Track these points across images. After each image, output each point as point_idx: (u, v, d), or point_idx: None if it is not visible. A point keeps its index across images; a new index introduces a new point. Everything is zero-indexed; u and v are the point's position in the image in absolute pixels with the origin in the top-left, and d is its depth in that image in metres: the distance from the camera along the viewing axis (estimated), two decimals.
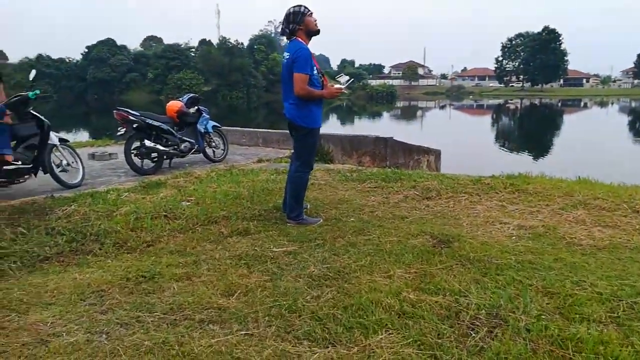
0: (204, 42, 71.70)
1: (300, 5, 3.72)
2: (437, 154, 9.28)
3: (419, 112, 52.37)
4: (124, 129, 6.21)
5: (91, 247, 3.41)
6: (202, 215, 3.99)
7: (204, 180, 5.65)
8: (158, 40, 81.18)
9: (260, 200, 4.63)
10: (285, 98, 3.84)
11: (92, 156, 7.49)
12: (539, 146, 22.51)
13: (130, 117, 6.14)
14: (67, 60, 69.00)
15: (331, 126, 36.42)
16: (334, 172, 6.28)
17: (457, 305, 2.40)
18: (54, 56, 67.97)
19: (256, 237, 3.62)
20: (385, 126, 35.75)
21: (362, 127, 35.13)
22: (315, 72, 3.75)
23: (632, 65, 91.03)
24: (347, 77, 4.02)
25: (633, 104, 60.33)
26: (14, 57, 67.75)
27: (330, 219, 4.10)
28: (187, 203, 4.43)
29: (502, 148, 22.63)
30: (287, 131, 4.15)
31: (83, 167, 5.79)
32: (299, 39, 3.72)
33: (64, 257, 3.26)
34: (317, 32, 3.82)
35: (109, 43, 66.53)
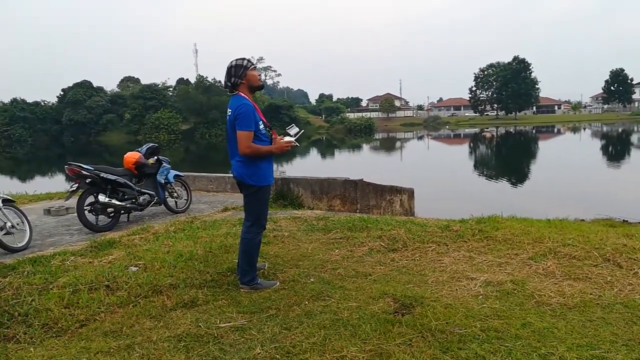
0: (181, 81, 71.99)
1: (243, 59, 3.53)
2: (409, 192, 9.10)
3: (398, 143, 52.84)
4: (77, 185, 5.90)
5: (16, 330, 3.06)
6: (147, 285, 3.67)
7: (161, 237, 5.34)
8: (135, 80, 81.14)
9: (216, 260, 4.33)
10: (232, 156, 3.61)
11: (48, 211, 7.12)
12: (517, 173, 22.72)
13: (83, 171, 5.85)
14: (43, 104, 68.41)
15: (312, 158, 36.52)
16: (301, 220, 6.05)
17: None
18: (29, 99, 67.44)
19: (203, 309, 3.32)
20: (363, 159, 35.81)
21: (342, 160, 35.18)
22: (261, 126, 3.55)
23: (601, 91, 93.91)
24: (297, 129, 3.82)
25: (604, 129, 61.89)
26: None
27: (288, 280, 3.83)
28: (135, 268, 4.10)
29: (481, 176, 22.80)
30: None
31: (30, 228, 5.45)
32: (241, 94, 3.51)
33: None
34: (260, 87, 3.63)
35: (85, 85, 66.25)
